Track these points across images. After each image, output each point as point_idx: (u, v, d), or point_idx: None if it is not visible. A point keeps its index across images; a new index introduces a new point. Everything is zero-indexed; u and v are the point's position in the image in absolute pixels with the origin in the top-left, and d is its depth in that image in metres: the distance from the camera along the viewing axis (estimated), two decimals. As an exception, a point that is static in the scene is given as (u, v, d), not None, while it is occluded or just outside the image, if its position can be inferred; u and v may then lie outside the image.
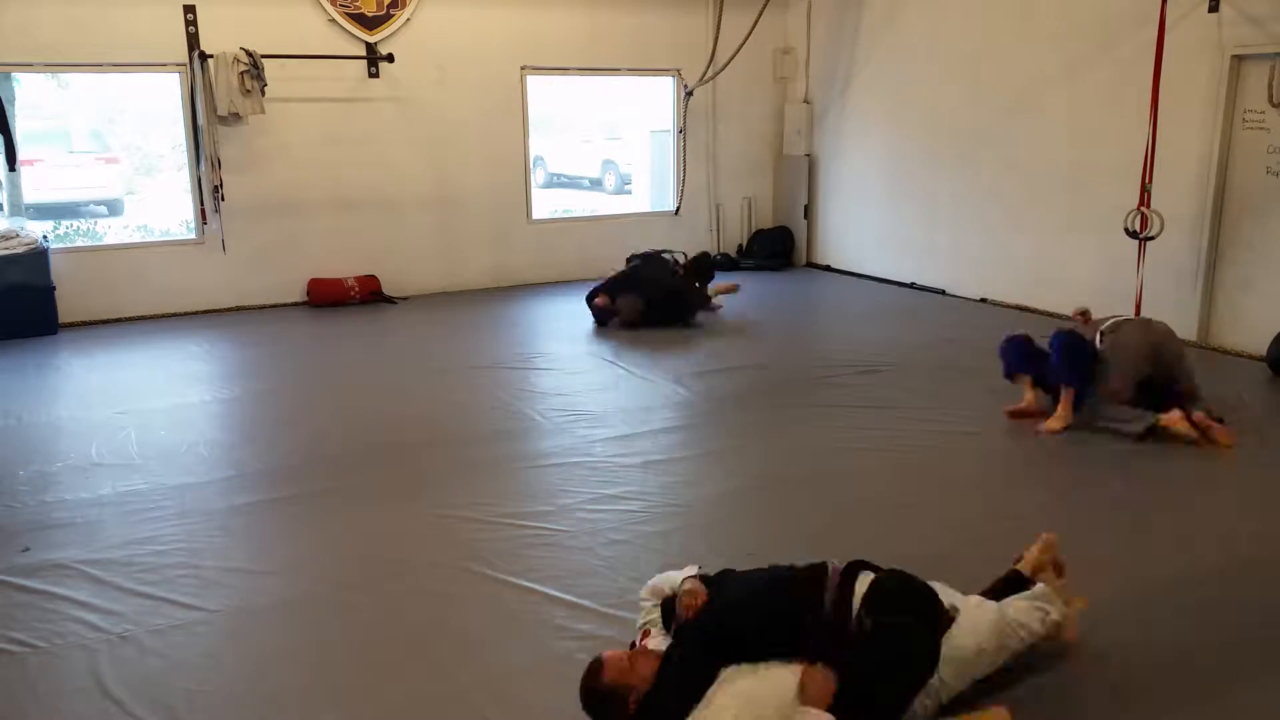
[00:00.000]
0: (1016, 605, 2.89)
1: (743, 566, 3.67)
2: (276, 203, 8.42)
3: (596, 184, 18.10)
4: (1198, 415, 4.93)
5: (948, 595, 2.86)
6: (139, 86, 14.11)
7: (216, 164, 7.95)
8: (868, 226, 9.79)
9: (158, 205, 14.76)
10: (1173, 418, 4.88)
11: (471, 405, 5.74)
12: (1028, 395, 5.39)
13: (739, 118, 10.37)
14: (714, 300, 8.08)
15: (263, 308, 8.49)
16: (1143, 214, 6.71)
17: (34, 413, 5.63)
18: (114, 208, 14.85)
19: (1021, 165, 8.03)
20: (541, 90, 10.13)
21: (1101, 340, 5.13)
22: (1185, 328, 6.93)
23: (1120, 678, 2.93)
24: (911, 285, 9.21)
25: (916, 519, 4.11)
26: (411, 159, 8.88)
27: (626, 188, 17.01)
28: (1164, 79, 6.57)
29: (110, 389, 6.09)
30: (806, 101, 10.31)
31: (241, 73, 7.70)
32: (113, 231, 13.50)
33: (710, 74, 9.78)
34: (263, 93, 7.84)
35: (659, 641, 2.76)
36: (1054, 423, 5.11)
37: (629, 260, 8.13)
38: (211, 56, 7.69)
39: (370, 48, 8.50)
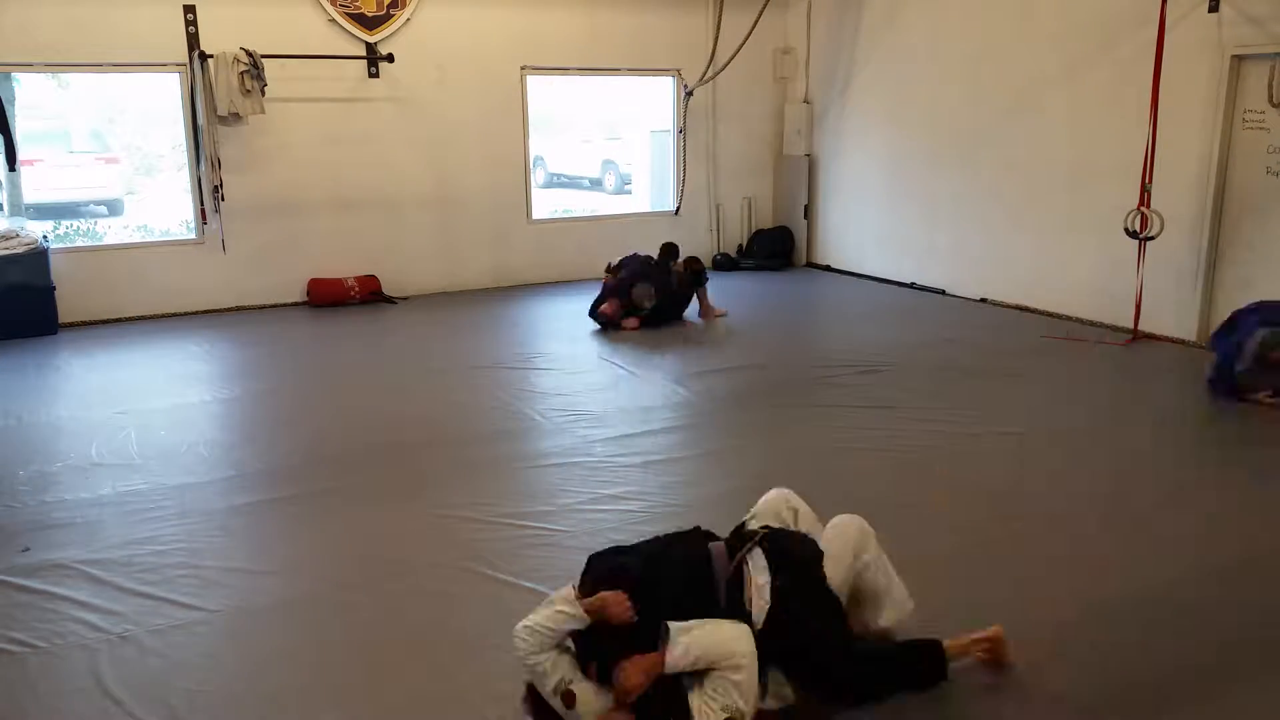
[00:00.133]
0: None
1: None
2: (276, 203, 8.42)
3: (596, 184, 18.10)
4: None
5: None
6: (139, 86, 14.11)
7: (216, 164, 7.95)
8: (868, 226, 9.78)
9: (158, 205, 14.76)
10: None
11: (471, 405, 5.74)
12: None
13: (739, 118, 10.37)
14: (716, 311, 8.01)
15: (263, 308, 8.49)
16: (1143, 214, 6.72)
17: (34, 413, 5.63)
18: (114, 208, 14.85)
19: (1021, 165, 8.03)
20: (541, 90, 10.13)
21: None
22: (1185, 328, 6.94)
23: (1120, 677, 2.93)
24: (911, 285, 9.21)
25: (916, 519, 4.10)
26: (411, 159, 8.88)
27: (626, 188, 17.01)
28: (1164, 79, 6.58)
29: (110, 389, 6.09)
30: (806, 101, 10.31)
31: (241, 73, 7.70)
32: (113, 231, 13.50)
33: (710, 74, 9.78)
34: (263, 93, 7.84)
35: (590, 686, 2.54)
36: None
37: (614, 269, 7.96)
38: (211, 56, 7.69)
39: (370, 48, 8.50)
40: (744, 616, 2.60)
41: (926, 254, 9.06)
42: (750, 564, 2.71)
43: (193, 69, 7.79)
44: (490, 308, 8.57)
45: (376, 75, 8.57)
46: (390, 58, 8.53)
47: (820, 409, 5.60)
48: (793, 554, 2.76)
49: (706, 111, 10.15)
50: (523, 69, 9.19)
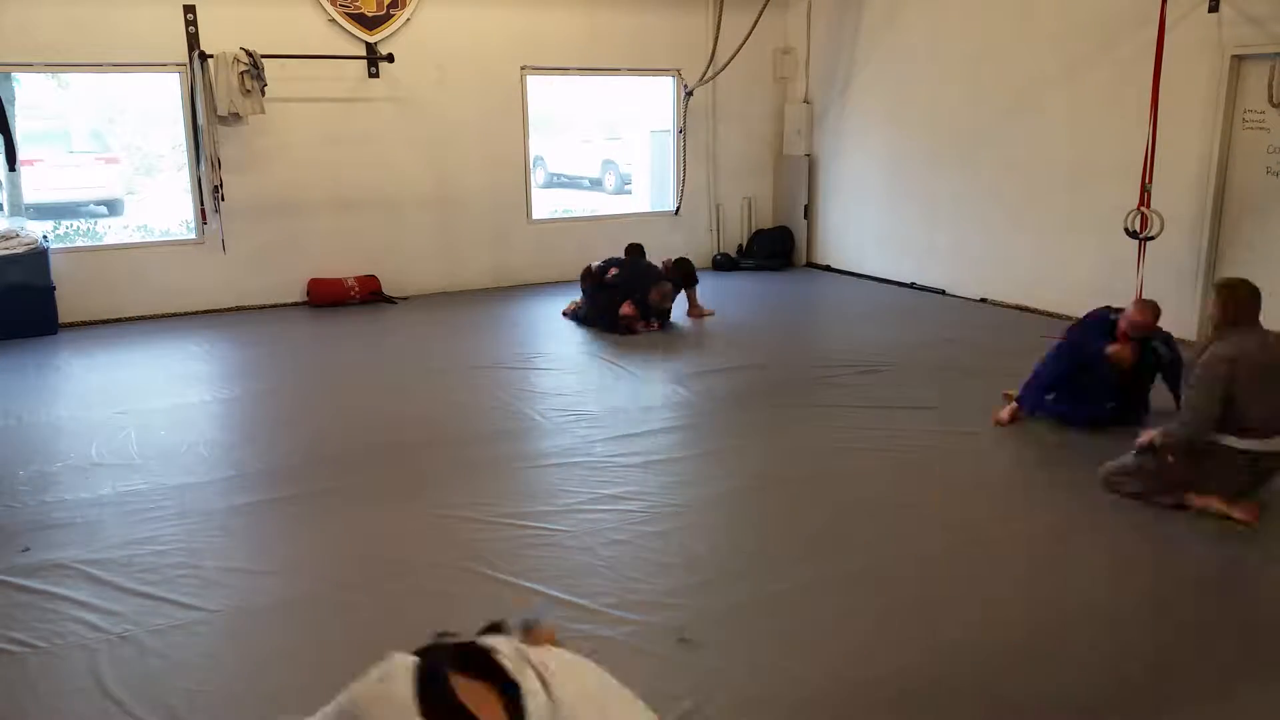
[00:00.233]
0: None
1: (740, 567, 3.68)
2: (276, 203, 8.42)
3: (596, 184, 18.10)
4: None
5: None
6: (139, 86, 14.11)
7: (216, 164, 7.95)
8: (868, 226, 9.78)
9: (158, 205, 14.76)
10: None
11: (471, 405, 5.74)
12: None
13: (739, 118, 10.37)
14: (705, 310, 8.02)
15: (263, 308, 8.49)
16: (1143, 214, 6.71)
17: (34, 413, 5.62)
18: (114, 208, 14.84)
19: (1021, 165, 8.03)
20: (541, 90, 10.13)
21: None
22: (1185, 328, 6.93)
23: (1120, 678, 2.93)
24: (911, 285, 9.20)
25: (916, 518, 4.11)
26: (411, 159, 8.88)
27: (626, 188, 17.01)
28: (1164, 79, 6.57)
29: (110, 389, 6.09)
30: (806, 101, 10.31)
31: (241, 73, 7.70)
32: (113, 231, 13.50)
33: (710, 74, 9.78)
34: (263, 93, 7.84)
35: None
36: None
37: (595, 273, 7.77)
38: (211, 56, 7.69)
39: (370, 48, 8.50)
40: None
41: (926, 254, 9.06)
42: None
43: (193, 69, 7.79)
44: (490, 308, 8.57)
45: (376, 75, 8.57)
46: (390, 58, 8.53)
47: (820, 409, 5.60)
48: None
49: (706, 111, 10.15)
50: (523, 69, 9.19)
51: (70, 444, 5.06)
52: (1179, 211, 6.77)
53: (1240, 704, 2.82)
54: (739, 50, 9.55)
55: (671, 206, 10.35)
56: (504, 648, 1.40)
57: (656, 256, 8.20)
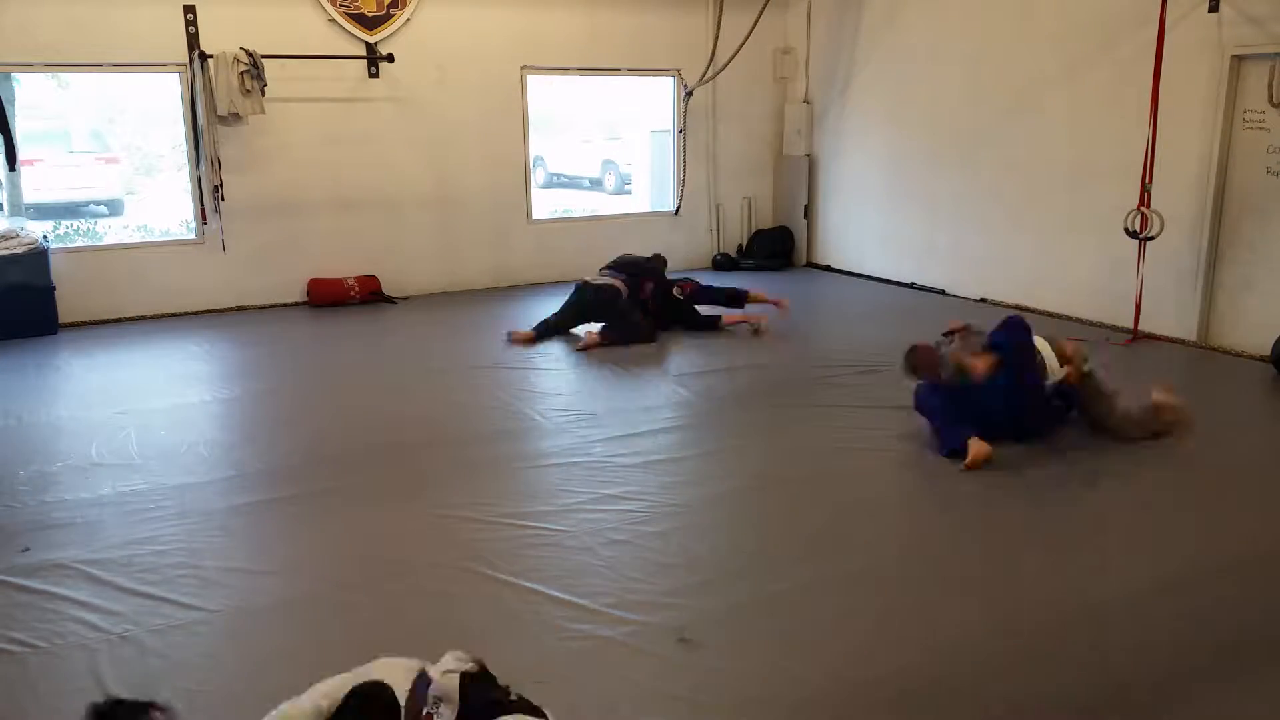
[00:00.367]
0: None
1: (740, 567, 3.68)
2: (276, 203, 8.42)
3: (596, 184, 18.11)
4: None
5: None
6: (139, 86, 14.12)
7: (216, 164, 7.95)
8: (868, 226, 9.79)
9: (158, 205, 14.77)
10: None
11: (471, 405, 5.74)
12: None
13: (739, 118, 10.37)
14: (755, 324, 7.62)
15: (263, 308, 8.49)
16: (1143, 214, 6.72)
17: (34, 413, 5.62)
18: (114, 208, 14.85)
19: (1021, 165, 8.03)
20: (541, 90, 10.13)
21: None
22: (1185, 328, 6.94)
23: (1120, 678, 2.94)
24: (911, 285, 9.20)
25: (917, 519, 4.11)
26: (411, 159, 8.88)
27: (626, 188, 17.02)
28: (1164, 79, 6.58)
29: (110, 389, 6.09)
30: (806, 101, 10.31)
31: (241, 73, 7.70)
32: (113, 231, 13.51)
33: (710, 74, 9.78)
34: (263, 93, 7.84)
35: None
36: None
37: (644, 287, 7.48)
38: (211, 56, 7.69)
39: (370, 48, 8.50)
40: None
41: (926, 254, 9.07)
42: None
43: (193, 69, 7.79)
44: (490, 308, 8.57)
45: (376, 75, 8.57)
46: (390, 58, 8.53)
47: (820, 409, 5.60)
48: None
49: (706, 111, 10.15)
50: (523, 69, 9.19)
51: (70, 444, 5.06)
52: (1179, 211, 6.77)
53: (1240, 703, 2.82)
54: (739, 50, 9.55)
55: (671, 206, 10.35)
56: None
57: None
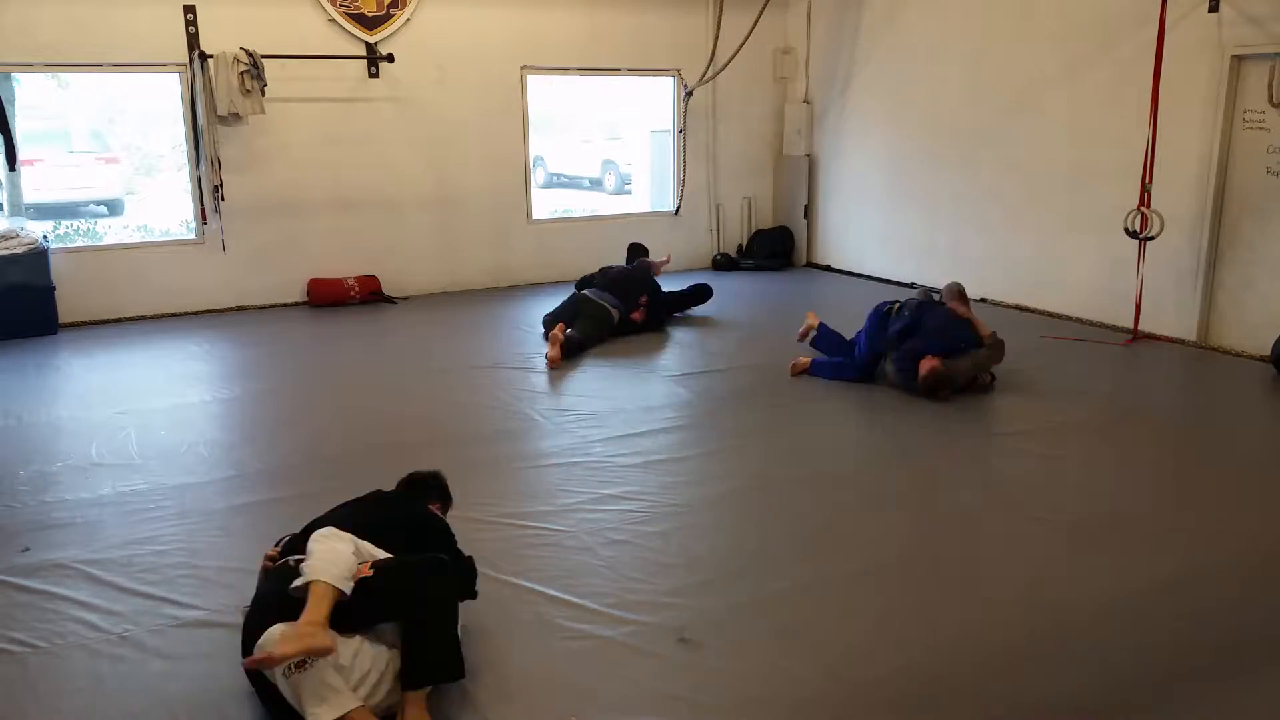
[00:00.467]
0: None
1: (740, 567, 3.68)
2: (276, 203, 8.42)
3: (596, 184, 18.11)
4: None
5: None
6: (139, 86, 14.13)
7: (216, 164, 7.95)
8: (868, 226, 9.79)
9: (158, 205, 14.77)
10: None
11: (471, 405, 5.74)
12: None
13: (739, 118, 10.37)
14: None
15: (263, 308, 8.49)
16: (1143, 214, 6.72)
17: (34, 413, 5.62)
18: (114, 208, 14.86)
19: (1021, 165, 8.03)
20: (541, 90, 10.13)
21: None
22: (1185, 328, 6.94)
23: (1120, 678, 2.94)
24: (911, 285, 9.19)
25: (917, 519, 4.11)
26: (411, 159, 8.88)
27: (626, 188, 17.02)
28: (1164, 79, 6.58)
29: (110, 389, 6.09)
30: (806, 101, 10.31)
31: (241, 73, 7.70)
32: (113, 231, 13.51)
33: (710, 74, 9.78)
34: (263, 93, 7.84)
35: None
36: None
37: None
38: (211, 56, 7.69)
39: (370, 48, 8.51)
40: None
41: (926, 254, 9.07)
42: None
43: (193, 69, 7.79)
44: (490, 308, 8.58)
45: (376, 75, 8.57)
46: (390, 58, 8.53)
47: (820, 409, 5.60)
48: None
49: (706, 111, 10.15)
50: (523, 69, 9.19)
51: (70, 444, 5.06)
52: (1179, 211, 6.77)
53: (1240, 703, 2.82)
54: (739, 50, 9.55)
55: (671, 206, 10.36)
56: None
57: (658, 257, 8.26)
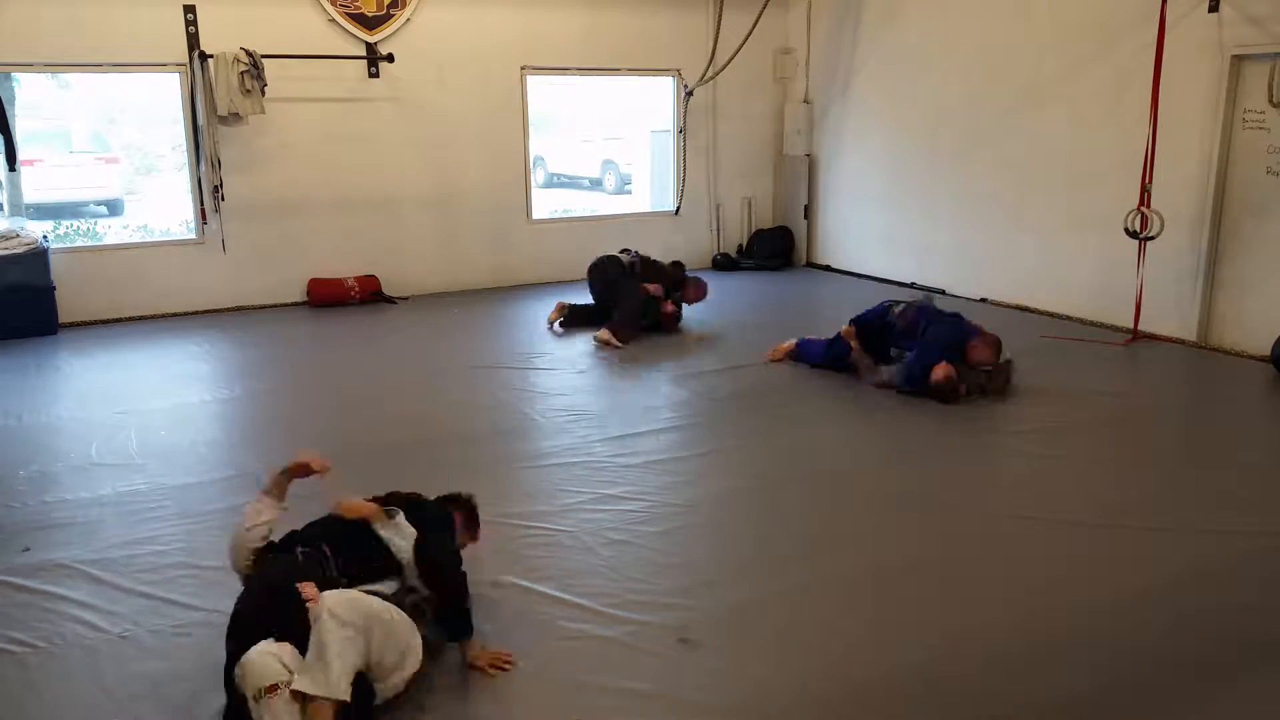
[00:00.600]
0: None
1: (740, 567, 3.68)
2: (276, 203, 8.43)
3: (596, 184, 18.10)
4: None
5: None
6: (139, 86, 14.12)
7: (216, 164, 7.95)
8: (868, 226, 9.79)
9: (158, 205, 14.77)
10: None
11: (471, 405, 5.74)
12: None
13: (739, 118, 10.37)
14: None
15: (263, 308, 8.49)
16: (1143, 214, 6.72)
17: (34, 413, 5.62)
18: (114, 208, 14.85)
19: (1021, 165, 8.03)
20: (541, 90, 10.13)
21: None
22: (1185, 327, 6.94)
23: (1119, 678, 2.94)
24: (911, 285, 9.20)
25: (917, 518, 4.11)
26: (411, 159, 8.88)
27: (626, 188, 17.01)
28: (1164, 79, 6.58)
29: (110, 389, 6.09)
30: (806, 101, 10.31)
31: (241, 73, 7.70)
32: (113, 231, 13.50)
33: (710, 74, 9.78)
34: (263, 93, 7.84)
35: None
36: None
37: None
38: (211, 56, 7.69)
39: (370, 48, 8.50)
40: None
41: (926, 254, 9.07)
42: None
43: (193, 69, 7.79)
44: (490, 308, 8.58)
45: (376, 75, 8.57)
46: (390, 58, 8.53)
47: (820, 409, 5.60)
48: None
49: (706, 111, 10.15)
50: (523, 69, 9.19)
51: (70, 444, 5.06)
52: (1179, 211, 6.77)
53: (1240, 703, 2.82)
54: (739, 50, 9.56)
55: (671, 206, 10.36)
56: None
57: (657, 257, 8.24)
